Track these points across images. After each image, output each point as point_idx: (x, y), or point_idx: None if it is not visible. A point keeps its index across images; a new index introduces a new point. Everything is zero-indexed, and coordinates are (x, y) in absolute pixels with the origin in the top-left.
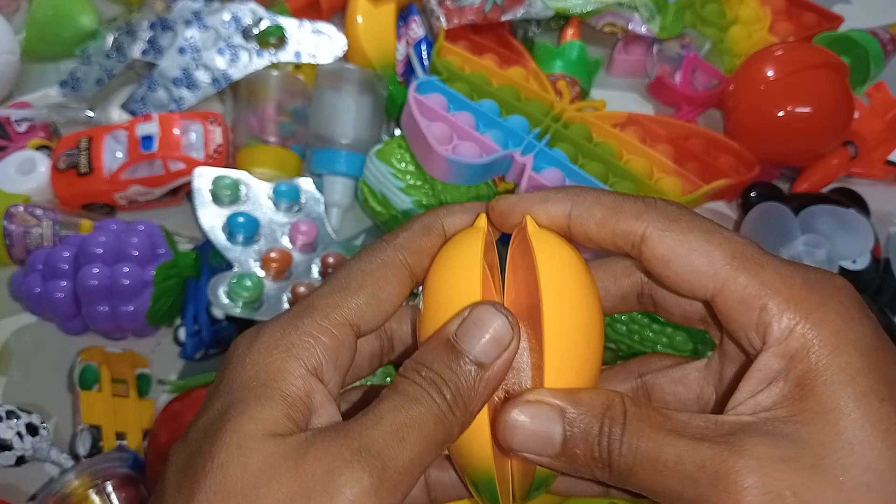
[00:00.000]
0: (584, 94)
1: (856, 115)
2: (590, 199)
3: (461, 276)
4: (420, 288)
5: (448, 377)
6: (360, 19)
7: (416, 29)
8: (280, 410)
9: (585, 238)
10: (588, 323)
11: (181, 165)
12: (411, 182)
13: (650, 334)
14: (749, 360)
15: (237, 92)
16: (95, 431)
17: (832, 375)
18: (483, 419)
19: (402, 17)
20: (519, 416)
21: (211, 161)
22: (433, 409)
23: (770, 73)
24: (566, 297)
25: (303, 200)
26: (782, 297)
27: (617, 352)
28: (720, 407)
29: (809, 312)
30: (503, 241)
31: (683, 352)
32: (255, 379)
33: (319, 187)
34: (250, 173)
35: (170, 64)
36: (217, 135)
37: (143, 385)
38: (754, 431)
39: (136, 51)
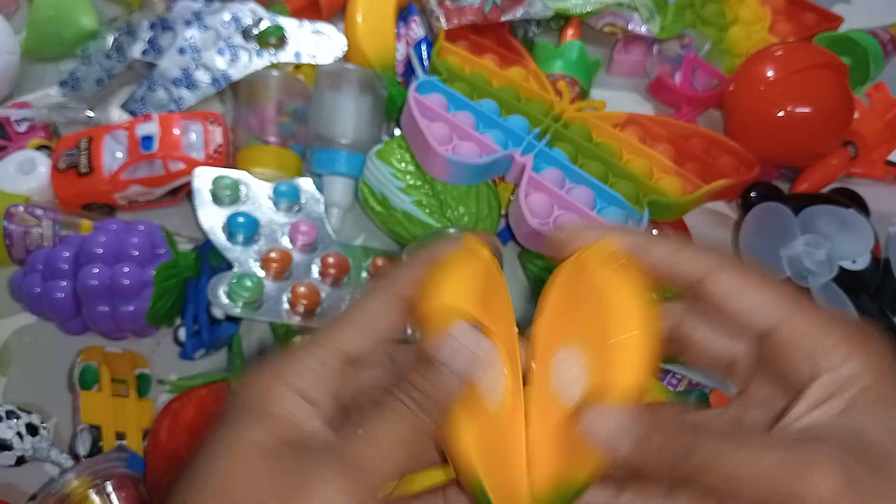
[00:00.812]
0: (584, 95)
1: (856, 115)
2: (665, 239)
3: (447, 296)
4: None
5: (419, 383)
6: (359, 19)
7: (416, 29)
8: (266, 427)
9: (660, 272)
10: (651, 339)
11: (181, 165)
12: (411, 182)
13: None
14: (787, 392)
15: (237, 92)
16: (95, 431)
17: (882, 396)
18: (466, 435)
19: (402, 17)
20: (605, 410)
21: (211, 161)
22: (410, 417)
23: (770, 74)
24: (635, 319)
25: (303, 200)
26: (836, 333)
27: None
28: None
29: (858, 347)
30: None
31: None
32: (246, 403)
33: (319, 187)
34: (250, 173)
35: (170, 64)
36: (217, 135)
37: (142, 385)
38: (819, 437)
39: (136, 51)
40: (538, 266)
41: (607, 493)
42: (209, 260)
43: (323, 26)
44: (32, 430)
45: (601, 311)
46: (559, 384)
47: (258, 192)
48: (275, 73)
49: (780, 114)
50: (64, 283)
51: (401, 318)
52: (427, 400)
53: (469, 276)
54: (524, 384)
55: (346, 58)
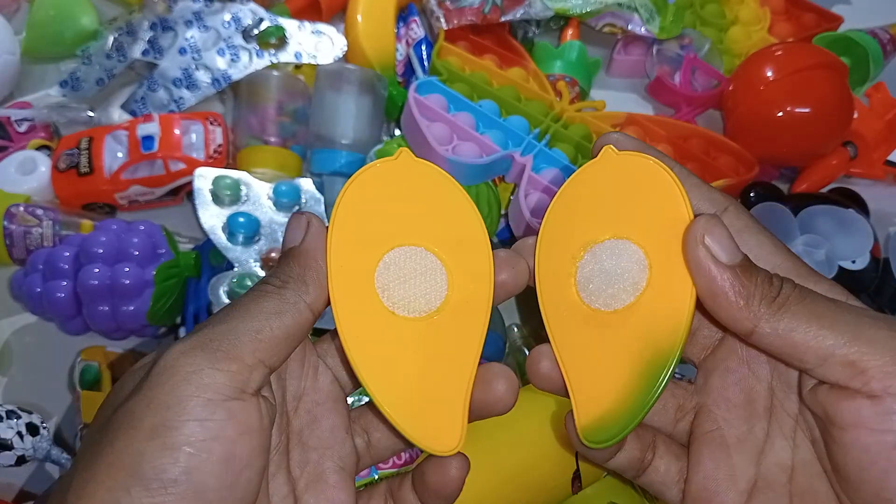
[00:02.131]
0: (583, 95)
1: (855, 115)
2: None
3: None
4: None
5: (274, 269)
6: (359, 19)
7: (416, 30)
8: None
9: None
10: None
11: (182, 165)
12: None
13: None
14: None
15: (237, 92)
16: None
17: None
18: (342, 326)
19: (402, 17)
20: (712, 224)
21: (211, 161)
22: (255, 290)
23: (769, 74)
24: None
25: (303, 200)
26: (868, 348)
27: None
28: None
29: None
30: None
31: None
32: (157, 395)
33: (320, 187)
34: (251, 173)
35: (170, 64)
36: (218, 135)
37: None
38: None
39: (136, 51)
40: None
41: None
42: (210, 260)
43: (323, 27)
44: (33, 429)
45: (647, 204)
46: (602, 283)
47: (258, 193)
48: (275, 73)
49: (780, 114)
50: (64, 283)
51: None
52: (278, 277)
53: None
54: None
55: (346, 58)
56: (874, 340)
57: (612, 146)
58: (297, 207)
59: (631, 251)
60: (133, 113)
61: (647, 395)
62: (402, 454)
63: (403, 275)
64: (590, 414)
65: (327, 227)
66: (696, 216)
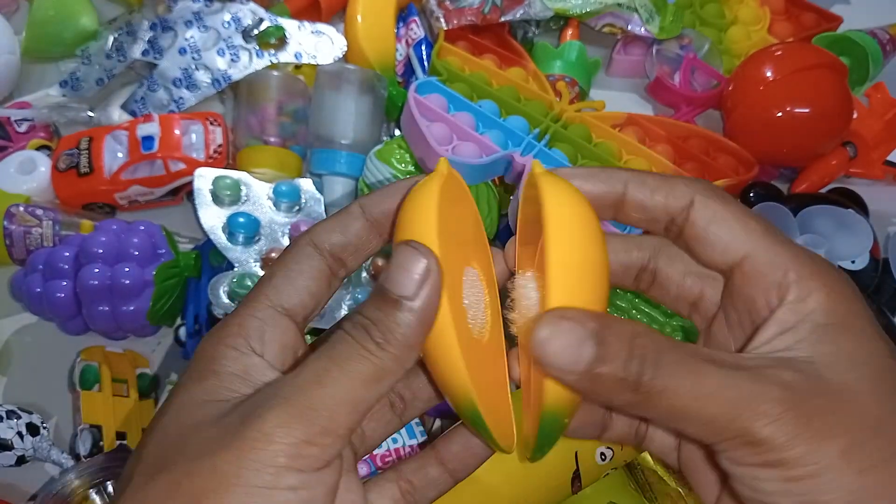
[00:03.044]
0: (583, 95)
1: (855, 115)
2: (643, 173)
3: (413, 221)
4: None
5: (374, 316)
6: (359, 19)
7: (416, 30)
8: (213, 384)
9: (639, 207)
10: (595, 251)
11: (182, 166)
12: None
13: (638, 316)
14: (749, 327)
15: (237, 92)
16: (96, 431)
17: (845, 327)
18: (454, 353)
19: (402, 18)
20: (548, 332)
21: (211, 161)
22: (355, 347)
23: (769, 74)
24: (573, 224)
25: (303, 201)
26: (805, 268)
27: None
28: None
29: (824, 282)
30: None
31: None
32: (195, 367)
33: (319, 187)
34: (250, 174)
35: (170, 64)
36: (218, 135)
37: (143, 384)
38: (781, 366)
39: (136, 51)
40: None
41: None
42: (210, 260)
43: (323, 27)
44: (33, 429)
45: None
46: (521, 312)
47: (258, 193)
48: (275, 73)
49: (779, 114)
50: (64, 283)
51: (321, 267)
52: (389, 334)
53: (434, 204)
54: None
55: (346, 58)
56: (758, 396)
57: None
58: (297, 208)
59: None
60: (133, 113)
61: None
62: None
63: (470, 297)
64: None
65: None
66: (544, 313)
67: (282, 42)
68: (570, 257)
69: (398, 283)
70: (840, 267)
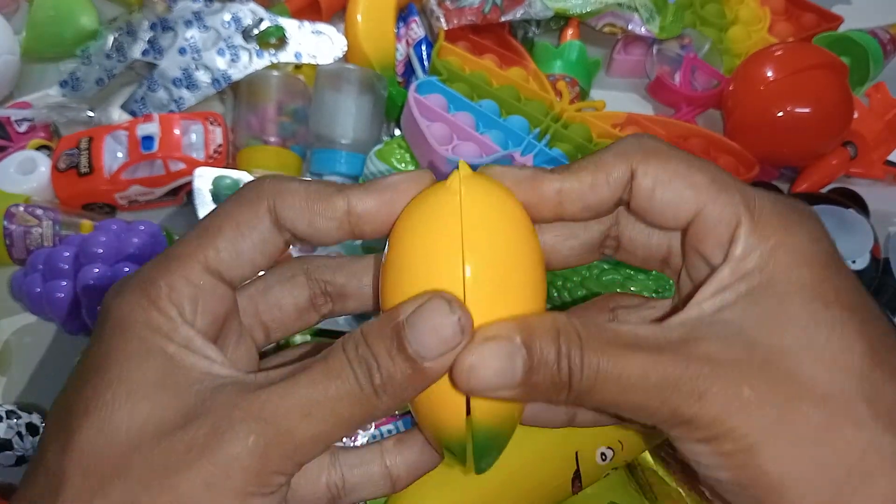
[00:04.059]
0: (583, 95)
1: (855, 115)
2: (574, 166)
3: (439, 243)
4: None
5: (383, 362)
6: (359, 19)
7: (416, 29)
8: (157, 363)
9: (582, 204)
10: (517, 253)
11: (182, 166)
12: None
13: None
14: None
15: (237, 92)
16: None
17: (782, 286)
18: (458, 401)
19: (402, 17)
20: (477, 358)
21: (211, 161)
22: (353, 390)
23: (769, 74)
24: (489, 230)
25: None
26: (752, 219)
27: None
28: None
29: (773, 234)
30: None
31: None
32: (128, 340)
33: None
34: (250, 174)
35: (170, 64)
36: (217, 135)
37: None
38: (705, 336)
39: (136, 51)
40: None
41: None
42: None
43: (323, 27)
44: (33, 429)
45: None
46: None
47: None
48: (275, 73)
49: (780, 114)
50: (64, 283)
51: (276, 240)
52: (390, 385)
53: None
54: None
55: (346, 58)
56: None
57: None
58: None
59: None
60: (133, 113)
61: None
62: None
63: None
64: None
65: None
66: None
67: (282, 42)
68: (485, 270)
69: (422, 341)
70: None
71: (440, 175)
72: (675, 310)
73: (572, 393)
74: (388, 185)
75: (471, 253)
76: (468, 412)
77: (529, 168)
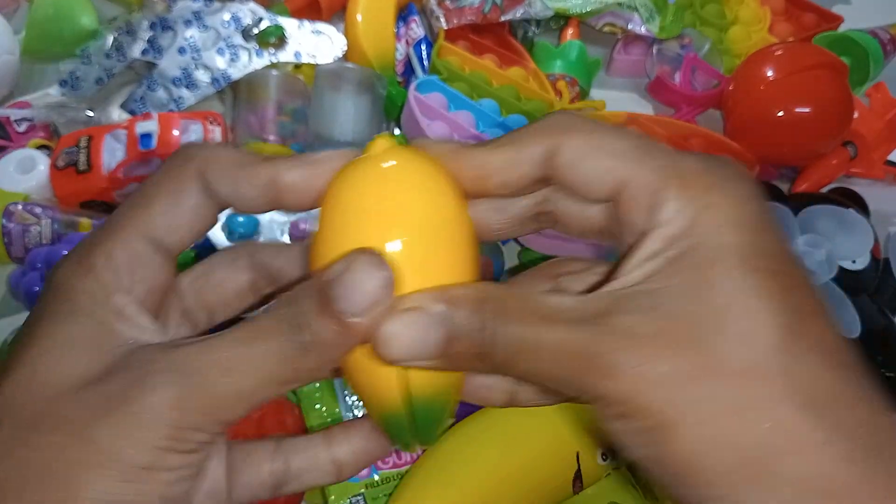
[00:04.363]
0: (583, 95)
1: (855, 115)
2: (496, 141)
3: (363, 213)
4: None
5: (309, 318)
6: (359, 18)
7: (416, 29)
8: (81, 327)
9: (501, 180)
10: (446, 223)
11: None
12: None
13: None
14: None
15: (236, 92)
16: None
17: (707, 252)
18: (388, 371)
19: (402, 17)
20: (395, 327)
21: None
22: (280, 348)
23: (770, 74)
24: (416, 199)
25: None
26: (677, 182)
27: None
28: None
29: (699, 197)
30: None
31: None
32: (54, 299)
33: None
34: None
35: (170, 64)
36: (217, 135)
37: None
38: (625, 308)
39: (136, 51)
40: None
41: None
42: None
43: (323, 26)
44: None
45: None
46: None
47: None
48: (274, 72)
49: (780, 114)
50: None
51: (207, 203)
52: (318, 344)
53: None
54: None
55: (345, 58)
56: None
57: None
58: None
59: None
60: (132, 112)
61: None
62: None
63: None
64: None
65: None
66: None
67: (281, 41)
68: (409, 239)
69: (347, 296)
70: (842, 268)
71: None
72: (607, 278)
73: (493, 363)
74: (316, 160)
75: (394, 221)
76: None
77: (455, 142)
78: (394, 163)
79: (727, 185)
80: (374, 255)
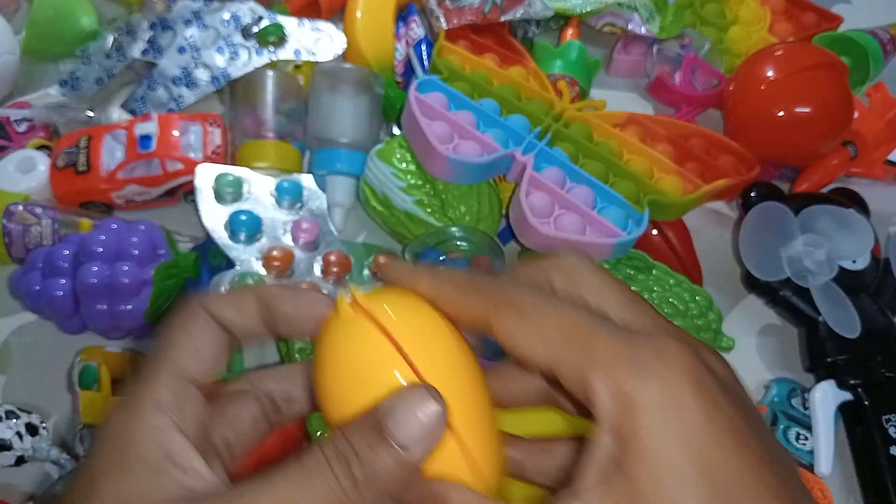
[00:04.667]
0: (583, 94)
1: (856, 115)
2: (445, 278)
3: (375, 353)
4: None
5: (363, 454)
6: (359, 16)
7: (416, 29)
8: (140, 477)
9: (454, 315)
10: (462, 356)
11: (179, 166)
12: (412, 182)
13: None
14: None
15: (233, 92)
16: (95, 432)
17: (650, 467)
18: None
19: (402, 17)
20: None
21: (209, 162)
22: (332, 487)
23: (770, 73)
24: (425, 337)
25: (305, 198)
26: (603, 373)
27: None
28: None
29: (624, 383)
30: None
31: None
32: (111, 449)
33: (322, 185)
34: (252, 169)
35: (169, 63)
36: (216, 136)
37: None
38: None
39: (136, 50)
40: None
41: None
42: (209, 259)
43: (323, 25)
44: (32, 430)
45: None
46: None
47: (260, 190)
48: (270, 72)
49: (780, 114)
50: (63, 282)
51: (223, 339)
52: (372, 477)
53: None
54: None
55: (344, 57)
56: None
57: (353, 292)
58: (298, 205)
59: None
60: (133, 112)
61: None
62: None
63: None
64: None
65: None
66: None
67: (281, 40)
68: (445, 381)
69: (403, 428)
70: (842, 268)
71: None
72: (568, 477)
73: None
74: (304, 298)
75: (423, 366)
76: None
77: (420, 269)
78: (393, 317)
79: (659, 372)
80: (427, 389)
